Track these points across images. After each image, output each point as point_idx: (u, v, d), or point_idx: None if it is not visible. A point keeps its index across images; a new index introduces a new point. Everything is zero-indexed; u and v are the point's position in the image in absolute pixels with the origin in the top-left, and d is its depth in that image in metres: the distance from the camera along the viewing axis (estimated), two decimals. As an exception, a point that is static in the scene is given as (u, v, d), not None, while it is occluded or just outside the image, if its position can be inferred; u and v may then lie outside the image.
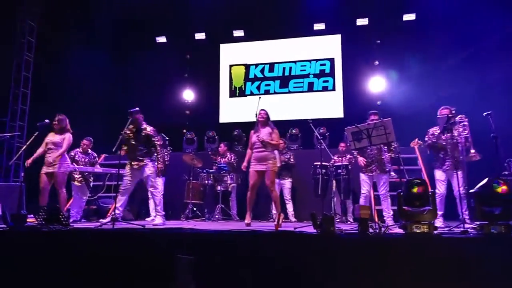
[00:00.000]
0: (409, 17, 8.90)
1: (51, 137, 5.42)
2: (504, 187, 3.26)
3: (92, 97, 8.93)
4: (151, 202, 6.91)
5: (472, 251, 3.04)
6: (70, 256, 3.74)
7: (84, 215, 6.28)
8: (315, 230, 3.67)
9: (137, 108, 5.07)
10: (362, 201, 5.04)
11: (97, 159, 6.69)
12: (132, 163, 5.18)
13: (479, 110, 4.76)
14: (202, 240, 3.72)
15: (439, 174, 4.91)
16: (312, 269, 3.24)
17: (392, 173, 5.27)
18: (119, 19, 8.99)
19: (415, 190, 3.27)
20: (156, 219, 5.24)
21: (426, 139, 5.02)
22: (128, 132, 5.13)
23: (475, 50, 7.83)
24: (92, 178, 6.39)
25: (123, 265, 3.53)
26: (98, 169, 6.44)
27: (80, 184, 6.08)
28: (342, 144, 6.88)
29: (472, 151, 4.55)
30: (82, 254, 3.74)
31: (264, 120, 5.31)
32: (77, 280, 3.55)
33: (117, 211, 4.98)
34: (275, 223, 4.42)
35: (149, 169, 5.18)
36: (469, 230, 3.41)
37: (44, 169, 5.34)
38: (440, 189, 4.82)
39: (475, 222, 3.33)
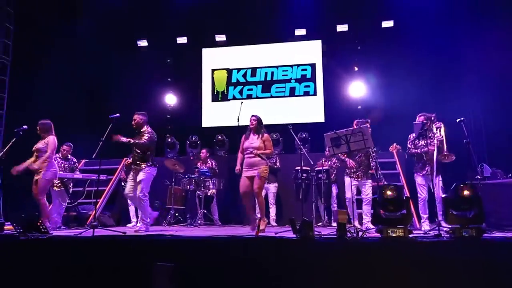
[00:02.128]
0: (387, 24, 9.11)
1: (36, 144, 5.31)
2: (467, 192, 3.39)
3: (72, 102, 8.81)
4: (131, 209, 6.89)
5: (444, 254, 3.15)
6: (49, 264, 3.71)
7: (63, 221, 6.18)
8: (294, 235, 3.73)
9: (117, 115, 5.03)
10: (354, 205, 5.13)
11: (77, 164, 6.61)
12: (132, 166, 5.24)
13: (456, 116, 4.92)
14: (183, 247, 3.74)
15: (419, 179, 5.05)
16: (292, 274, 3.30)
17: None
18: (100, 22, 8.92)
19: (389, 195, 3.36)
20: (141, 226, 5.19)
21: (409, 146, 5.14)
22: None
23: (452, 56, 8.08)
24: (71, 184, 6.31)
25: (103, 273, 3.52)
26: (77, 175, 6.37)
27: (59, 190, 5.99)
28: (327, 149, 6.95)
29: (445, 151, 4.69)
30: (61, 262, 3.71)
31: (255, 126, 5.28)
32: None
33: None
34: (257, 229, 4.46)
35: (144, 174, 5.15)
36: (442, 233, 3.53)
37: (35, 176, 5.23)
38: (422, 193, 4.95)
39: (448, 226, 3.44)
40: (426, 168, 4.82)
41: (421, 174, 4.91)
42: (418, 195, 4.89)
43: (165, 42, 9.82)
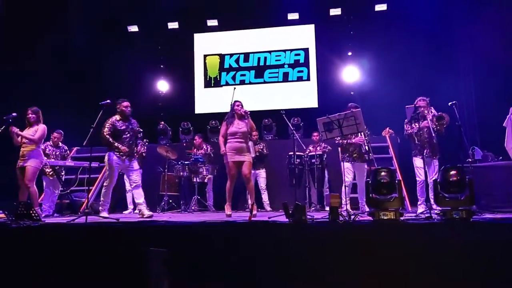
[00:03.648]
0: (380, 7, 9.03)
1: (26, 131, 5.21)
2: (456, 175, 3.42)
3: (62, 89, 8.68)
4: (129, 195, 6.87)
5: (435, 235, 3.18)
6: (42, 252, 3.69)
7: (56, 209, 6.17)
8: (287, 220, 3.75)
9: (108, 101, 4.96)
10: (347, 189, 5.13)
11: (68, 152, 6.56)
12: (124, 154, 5.11)
13: (449, 99, 4.93)
14: (176, 233, 3.75)
15: (418, 162, 4.92)
16: (286, 258, 3.32)
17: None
18: (90, 7, 8.74)
19: (381, 178, 3.38)
20: (145, 212, 5.17)
21: (406, 128, 5.08)
22: (122, 124, 5.10)
23: (446, 40, 8.06)
24: (63, 171, 6.27)
25: (96, 260, 3.52)
26: (69, 162, 6.32)
27: (51, 178, 5.95)
28: (316, 134, 6.97)
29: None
30: (54, 250, 3.70)
31: (242, 112, 5.26)
32: (49, 276, 3.51)
33: (106, 205, 5.09)
34: (250, 214, 4.48)
35: (137, 165, 5.23)
36: (433, 216, 3.57)
37: (19, 163, 5.15)
38: (421, 176, 4.87)
39: (439, 208, 3.48)
40: (425, 151, 4.79)
41: (420, 157, 4.82)
42: (417, 178, 4.87)
43: (156, 28, 9.69)
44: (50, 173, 5.94)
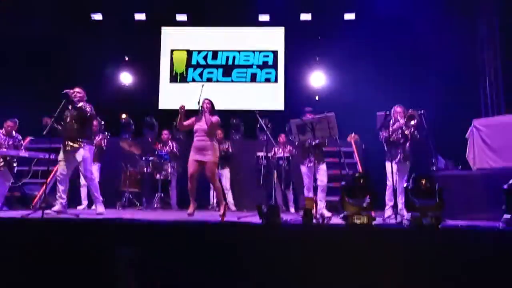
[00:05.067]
0: (349, 16, 9.26)
1: None
2: (426, 183, 3.55)
3: (18, 76, 8.11)
4: (83, 190, 6.51)
5: (405, 241, 3.26)
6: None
7: (6, 202, 5.70)
8: (259, 220, 3.70)
9: (66, 91, 4.64)
10: (305, 192, 5.15)
11: (22, 142, 6.09)
12: (67, 143, 4.76)
13: (410, 107, 5.11)
14: (143, 231, 3.57)
15: (390, 167, 4.91)
16: (260, 260, 3.26)
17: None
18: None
19: (360, 182, 3.42)
20: (98, 207, 4.91)
21: (382, 133, 5.16)
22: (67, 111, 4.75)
23: (411, 50, 8.41)
24: (16, 162, 5.80)
25: (55, 260, 3.27)
26: (23, 153, 5.86)
27: (2, 169, 5.50)
28: (282, 135, 7.01)
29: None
30: (6, 248, 3.39)
31: (209, 110, 5.10)
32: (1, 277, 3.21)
33: (61, 200, 4.67)
34: (220, 213, 4.39)
35: (86, 153, 4.82)
36: (404, 221, 3.67)
37: None
38: (390, 180, 4.93)
39: (409, 213, 3.58)
40: (398, 156, 4.93)
41: (393, 162, 4.87)
42: (387, 182, 4.98)
43: (122, 18, 9.29)
44: (1, 164, 5.49)
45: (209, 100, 5.19)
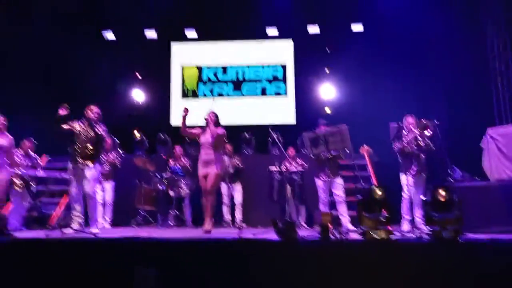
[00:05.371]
0: (357, 27, 9.30)
1: None
2: (445, 194, 3.51)
3: (33, 95, 8.29)
4: (99, 209, 6.55)
5: (425, 256, 3.22)
6: (12, 270, 3.42)
7: (24, 223, 5.78)
8: (275, 236, 3.69)
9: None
10: (321, 207, 5.13)
11: (39, 161, 6.20)
12: (79, 161, 4.76)
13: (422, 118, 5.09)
14: (161, 249, 3.59)
15: (405, 179, 4.89)
16: (277, 276, 3.25)
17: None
18: (64, 8, 8.41)
19: (377, 195, 3.40)
20: (92, 228, 4.85)
21: (396, 144, 5.13)
22: (81, 125, 4.82)
23: (421, 60, 8.38)
24: (34, 182, 5.90)
25: (77, 279, 3.30)
26: (40, 173, 5.97)
27: (21, 190, 5.59)
28: (291, 149, 6.98)
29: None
30: (26, 268, 3.43)
31: (214, 122, 5.11)
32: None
33: (78, 219, 4.69)
34: (205, 228, 4.69)
35: (95, 172, 4.85)
36: (423, 235, 3.62)
37: None
38: (406, 193, 4.86)
39: (428, 227, 3.54)
40: (412, 167, 4.88)
41: (407, 174, 4.84)
42: (403, 194, 4.93)
43: (132, 35, 9.46)
44: (20, 184, 5.58)
45: (214, 112, 5.19)
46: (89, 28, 9.21)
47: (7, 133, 5.05)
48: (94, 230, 4.82)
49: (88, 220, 4.91)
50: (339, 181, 5.29)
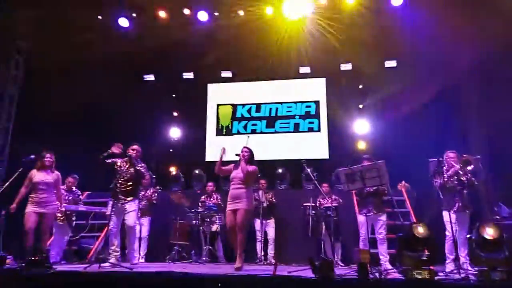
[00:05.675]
0: (390, 64, 9.31)
1: (41, 177, 5.20)
2: (493, 233, 3.31)
3: (77, 133, 8.76)
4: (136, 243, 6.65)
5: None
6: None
7: (64, 256, 5.95)
8: (311, 274, 3.58)
9: (32, 157, 5.12)
10: (361, 244, 4.96)
11: (81, 197, 6.45)
12: (120, 197, 5.00)
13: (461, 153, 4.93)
14: (196, 285, 3.57)
15: (449, 216, 4.56)
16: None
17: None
18: (108, 55, 9.01)
19: (419, 233, 3.26)
20: (134, 259, 5.00)
21: (435, 179, 4.94)
22: (123, 163, 5.04)
23: (456, 94, 8.20)
24: (75, 217, 6.12)
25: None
26: (81, 207, 6.20)
27: (62, 223, 5.81)
28: (325, 185, 6.88)
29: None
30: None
31: (247, 158, 5.09)
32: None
33: (116, 254, 4.86)
34: (236, 266, 4.60)
35: (135, 206, 5.05)
36: (469, 276, 3.40)
37: (34, 209, 5.06)
38: (450, 231, 4.60)
39: (475, 268, 3.33)
40: (456, 204, 4.67)
41: (451, 211, 4.58)
42: (446, 233, 4.68)
43: (171, 77, 9.93)
44: (61, 218, 5.80)
45: (248, 148, 5.20)
46: (132, 72, 9.77)
47: (55, 170, 5.33)
48: (134, 260, 4.90)
49: (126, 253, 5.02)
50: (383, 218, 5.14)
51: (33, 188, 5.14)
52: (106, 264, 4.70)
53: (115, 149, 4.97)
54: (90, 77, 8.98)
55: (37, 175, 5.18)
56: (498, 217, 4.73)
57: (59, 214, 5.78)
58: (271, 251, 6.86)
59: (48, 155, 5.26)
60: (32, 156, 5.27)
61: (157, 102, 9.63)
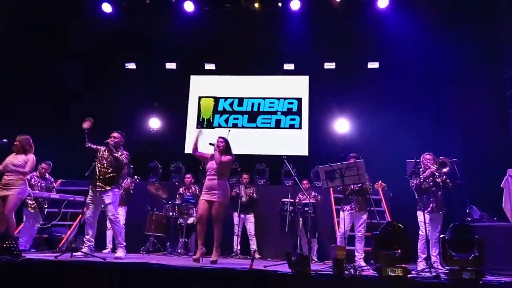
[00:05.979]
0: (373, 65, 9.43)
1: (12, 158, 5.03)
2: (466, 233, 3.39)
3: (53, 120, 8.51)
4: (109, 233, 6.53)
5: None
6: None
7: (33, 244, 5.77)
8: (287, 269, 3.59)
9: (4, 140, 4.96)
10: (339, 240, 5.02)
11: (53, 184, 6.27)
12: (98, 184, 4.85)
13: (437, 156, 5.04)
14: (170, 277, 3.52)
15: (423, 216, 4.75)
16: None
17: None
18: (90, 43, 8.81)
19: (395, 232, 3.31)
20: (118, 251, 4.92)
21: (411, 180, 5.04)
22: (106, 152, 4.91)
23: (437, 96, 8.38)
24: (47, 204, 5.94)
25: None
26: (54, 195, 6.02)
27: (33, 211, 5.63)
28: (305, 182, 6.94)
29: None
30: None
31: (222, 149, 5.00)
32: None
33: (89, 243, 4.73)
34: (212, 258, 4.70)
35: (114, 196, 4.90)
36: (441, 275, 3.48)
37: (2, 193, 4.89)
38: (423, 231, 4.73)
39: (446, 267, 3.41)
40: (431, 205, 4.78)
41: (425, 211, 4.73)
42: (420, 232, 4.79)
43: (153, 67, 9.76)
44: (33, 206, 5.62)
45: (224, 138, 5.10)
46: (112, 60, 9.55)
47: (30, 154, 5.16)
48: (120, 253, 4.81)
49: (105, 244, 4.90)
50: (364, 216, 5.22)
51: (4, 171, 4.99)
52: (78, 253, 4.60)
53: (86, 125, 4.83)
54: (69, 62, 8.74)
55: (9, 158, 5.05)
56: (469, 219, 4.86)
57: (30, 202, 5.60)
58: (253, 245, 6.87)
59: (18, 138, 5.09)
60: (5, 140, 5.07)
61: (138, 91, 9.42)
